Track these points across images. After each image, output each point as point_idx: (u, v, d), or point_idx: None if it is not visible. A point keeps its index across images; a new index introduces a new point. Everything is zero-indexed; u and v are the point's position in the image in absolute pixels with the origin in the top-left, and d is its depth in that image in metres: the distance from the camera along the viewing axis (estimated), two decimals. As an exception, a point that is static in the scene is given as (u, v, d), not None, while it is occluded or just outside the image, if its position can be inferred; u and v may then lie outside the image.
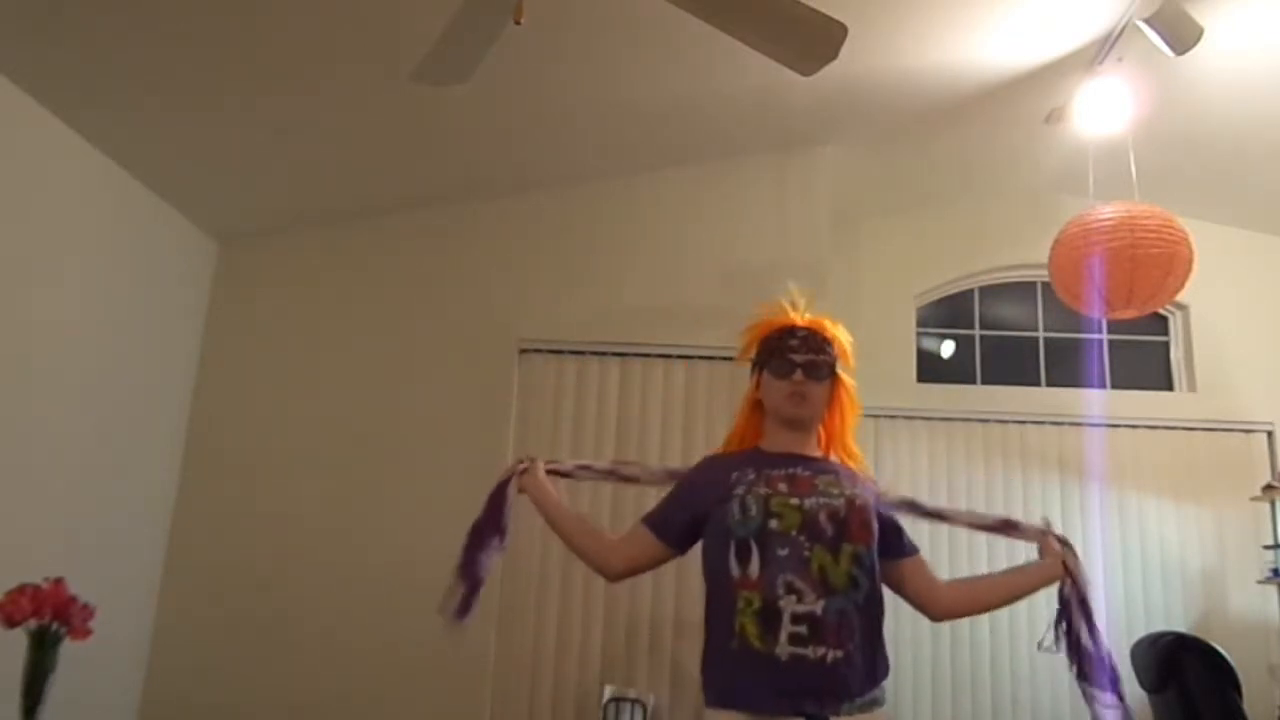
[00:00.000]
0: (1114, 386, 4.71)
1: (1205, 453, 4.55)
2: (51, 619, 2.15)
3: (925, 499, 1.99)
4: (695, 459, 3.83)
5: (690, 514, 1.80)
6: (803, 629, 1.53)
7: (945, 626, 4.35)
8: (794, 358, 1.80)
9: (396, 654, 3.55)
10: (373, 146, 3.54)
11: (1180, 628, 4.16)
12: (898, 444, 4.60)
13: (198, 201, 3.68)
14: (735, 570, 1.60)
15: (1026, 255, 4.62)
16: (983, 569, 4.36)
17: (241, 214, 3.87)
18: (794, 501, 1.64)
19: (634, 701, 3.35)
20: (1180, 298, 3.76)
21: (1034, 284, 4.87)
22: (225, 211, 3.81)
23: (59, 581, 2.20)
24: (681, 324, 3.89)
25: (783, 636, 1.53)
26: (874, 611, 1.66)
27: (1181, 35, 3.01)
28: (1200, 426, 4.57)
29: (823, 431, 1.88)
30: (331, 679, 3.56)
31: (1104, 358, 4.79)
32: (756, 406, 1.89)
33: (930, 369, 4.78)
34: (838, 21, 2.12)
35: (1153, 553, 4.42)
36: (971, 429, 4.60)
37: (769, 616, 1.54)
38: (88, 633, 2.22)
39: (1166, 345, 4.86)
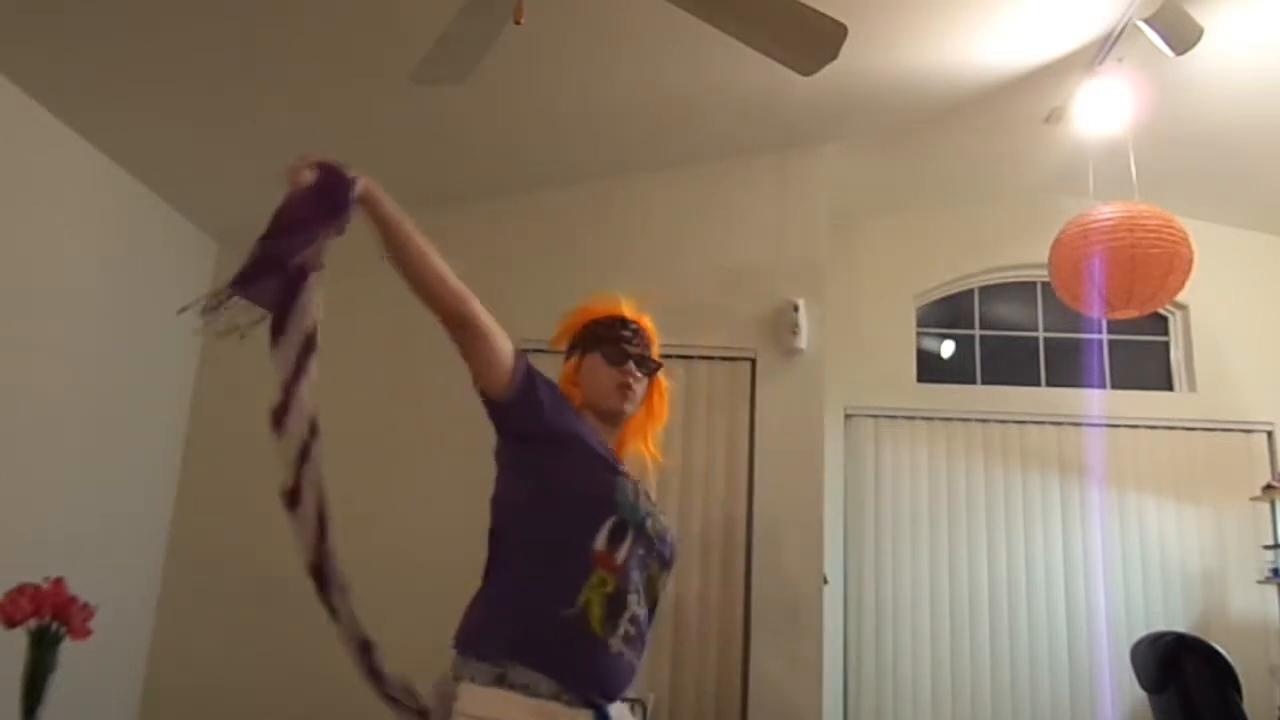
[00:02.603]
0: (1114, 386, 4.71)
1: (1205, 453, 4.55)
2: (51, 619, 2.15)
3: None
4: (695, 458, 3.84)
5: (554, 419, 1.66)
6: (632, 629, 1.53)
7: (945, 619, 4.36)
8: (629, 348, 1.75)
9: (397, 653, 3.54)
10: (372, 146, 3.54)
11: (1180, 628, 4.16)
12: (898, 444, 4.60)
13: (198, 201, 3.68)
14: (601, 544, 1.51)
15: (1026, 255, 4.62)
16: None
17: (241, 214, 3.85)
18: (649, 508, 1.64)
19: (634, 701, 3.34)
20: (1180, 298, 3.76)
21: (1034, 284, 4.87)
22: (225, 211, 3.81)
23: (59, 581, 2.20)
24: (681, 324, 3.88)
25: (620, 630, 1.50)
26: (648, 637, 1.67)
27: (1181, 35, 3.00)
28: (1200, 426, 4.57)
29: (623, 430, 1.79)
30: (333, 677, 3.54)
31: (1104, 358, 4.79)
32: (575, 388, 1.80)
33: (930, 369, 4.78)
34: (838, 21, 2.12)
35: (1153, 553, 4.42)
36: (971, 429, 4.60)
37: (616, 606, 1.50)
38: (88, 633, 2.22)
39: (1166, 345, 4.86)
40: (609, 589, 1.50)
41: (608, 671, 1.49)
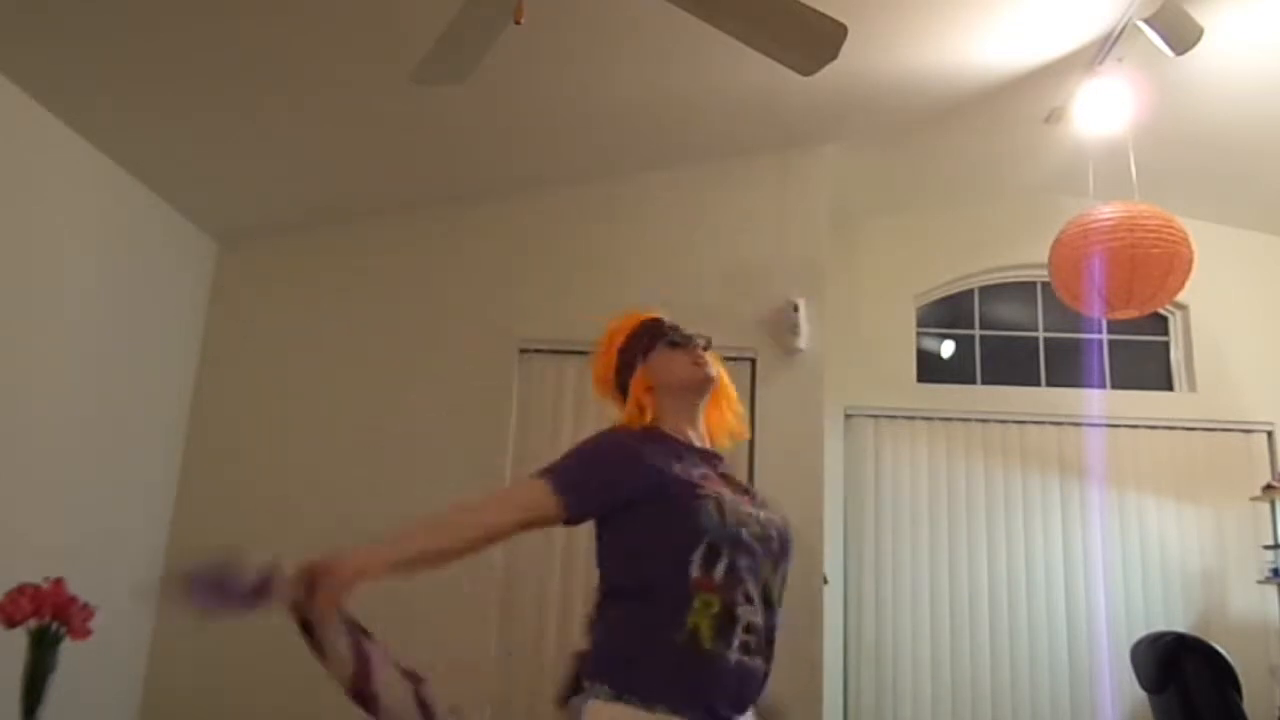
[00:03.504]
0: (1114, 386, 4.72)
1: (1205, 453, 4.55)
2: (51, 619, 2.15)
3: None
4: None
5: (616, 494, 1.63)
6: (751, 639, 1.52)
7: (945, 619, 4.36)
8: (684, 332, 1.82)
9: (396, 653, 3.55)
10: (373, 146, 3.54)
11: (1180, 628, 4.16)
12: (898, 444, 4.60)
13: (198, 201, 3.68)
14: (695, 571, 1.53)
15: (1026, 255, 4.62)
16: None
17: (241, 214, 3.87)
18: (752, 512, 1.62)
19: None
20: (1180, 298, 3.76)
21: (1034, 284, 4.87)
22: (225, 211, 3.81)
23: (59, 581, 2.19)
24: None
25: (735, 643, 1.50)
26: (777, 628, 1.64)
27: (1181, 35, 3.01)
28: (1200, 426, 4.57)
29: (707, 413, 1.82)
30: (331, 678, 3.55)
31: (1104, 358, 4.79)
32: (646, 402, 1.76)
33: (930, 369, 4.78)
34: (838, 21, 2.12)
35: (1153, 553, 4.42)
36: (971, 429, 4.60)
37: (726, 621, 1.51)
38: (88, 633, 2.21)
39: (1166, 345, 4.86)
40: (715, 609, 1.51)
41: (728, 683, 1.50)
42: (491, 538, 1.68)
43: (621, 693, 1.48)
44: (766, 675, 1.56)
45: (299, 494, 3.72)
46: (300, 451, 3.78)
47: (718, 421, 1.85)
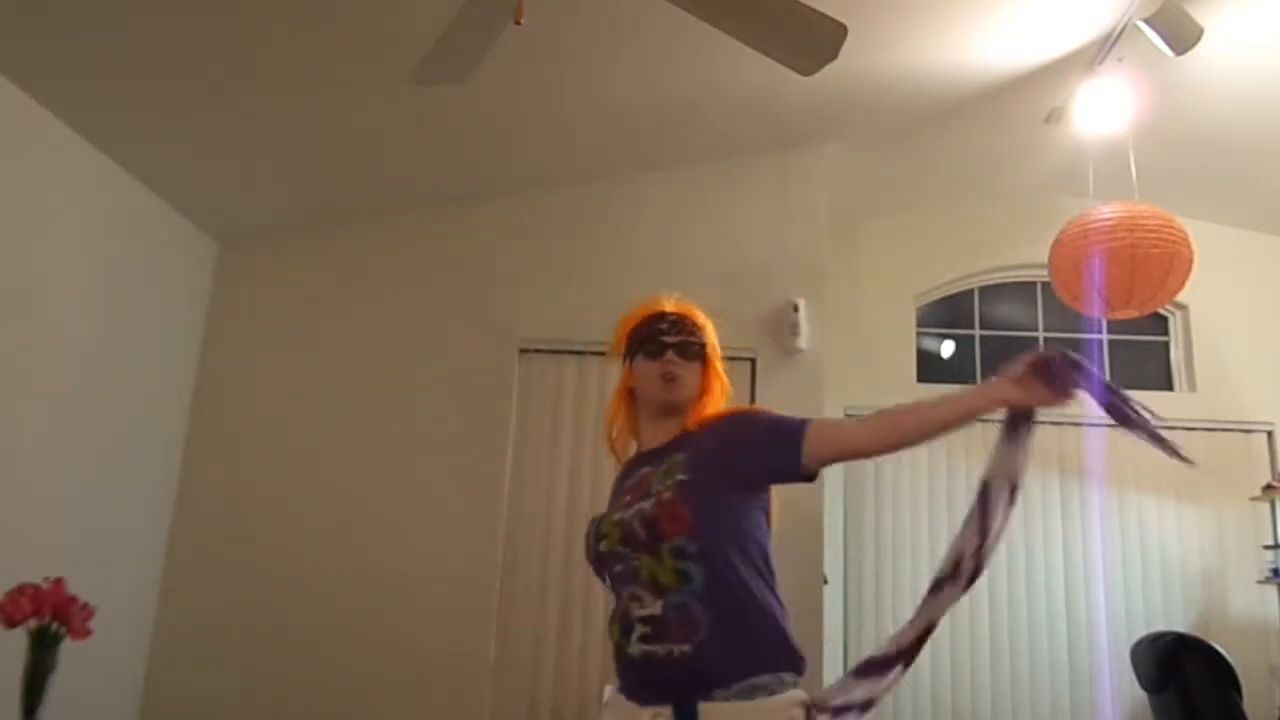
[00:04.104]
0: (1114, 386, 4.71)
1: (1205, 453, 4.54)
2: (51, 619, 2.15)
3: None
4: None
5: None
6: (648, 629, 1.57)
7: (945, 630, 4.35)
8: (665, 339, 1.78)
9: (397, 653, 3.55)
10: (373, 146, 3.54)
11: (1180, 628, 4.16)
12: (898, 444, 4.59)
13: (198, 201, 3.68)
14: (607, 593, 1.73)
15: (1026, 255, 4.62)
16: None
17: (241, 214, 3.87)
18: (615, 517, 1.67)
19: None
20: (1180, 298, 3.76)
21: (1034, 284, 4.87)
22: (225, 211, 3.81)
23: (59, 581, 2.19)
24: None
25: (634, 637, 1.59)
26: (723, 594, 1.57)
27: (1181, 35, 3.01)
28: (1200, 426, 4.57)
29: (691, 419, 1.80)
30: (332, 679, 3.55)
31: (1104, 358, 4.79)
32: (628, 398, 1.85)
33: (930, 369, 4.79)
34: (838, 21, 2.12)
35: (1153, 553, 4.42)
36: (971, 429, 4.58)
37: (625, 620, 1.62)
38: (88, 633, 2.21)
39: (1166, 345, 4.86)
40: (615, 615, 1.66)
41: (638, 672, 1.60)
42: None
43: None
44: (691, 656, 1.53)
45: (299, 494, 3.72)
46: (300, 451, 3.78)
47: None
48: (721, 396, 1.84)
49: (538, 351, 3.90)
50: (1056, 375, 1.56)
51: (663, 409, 1.78)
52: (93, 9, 2.55)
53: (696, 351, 1.79)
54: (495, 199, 4.03)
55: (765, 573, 1.64)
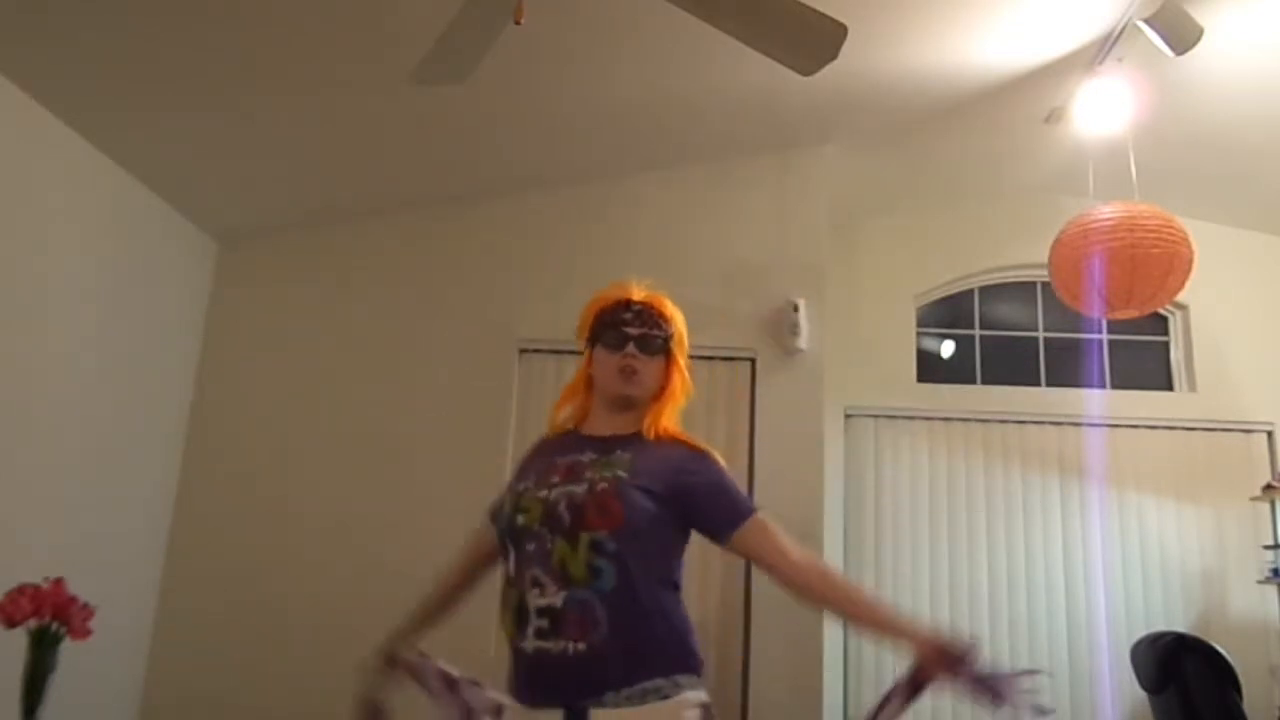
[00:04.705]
0: (1114, 386, 4.72)
1: (1205, 453, 4.55)
2: (51, 619, 2.15)
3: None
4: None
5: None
6: (545, 623, 1.51)
7: (945, 618, 4.35)
8: (628, 330, 1.72)
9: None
10: (373, 146, 3.54)
11: (1180, 628, 4.17)
12: (898, 444, 4.60)
13: (198, 201, 3.68)
14: (507, 568, 1.62)
15: (1026, 255, 4.62)
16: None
17: (241, 214, 3.87)
18: (540, 494, 1.60)
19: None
20: (1180, 298, 3.76)
21: (1034, 284, 4.87)
22: (225, 211, 3.81)
23: (59, 581, 2.19)
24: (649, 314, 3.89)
25: (529, 630, 1.52)
26: (628, 600, 1.53)
27: (1181, 35, 3.00)
28: (1200, 426, 4.57)
29: (648, 415, 1.75)
30: (332, 678, 3.54)
31: (1104, 358, 4.79)
32: (588, 384, 1.78)
33: (930, 369, 4.78)
34: (838, 21, 2.12)
35: (1153, 553, 4.42)
36: (971, 429, 4.60)
37: (521, 612, 1.55)
38: (88, 633, 2.21)
39: (1166, 345, 4.86)
40: (512, 602, 1.57)
41: (523, 669, 1.55)
42: (471, 564, 1.92)
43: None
44: (587, 655, 1.48)
45: (299, 494, 3.72)
46: (300, 451, 3.78)
47: (663, 429, 1.74)
48: (681, 394, 1.78)
49: (538, 351, 3.90)
50: (962, 671, 1.58)
51: (618, 402, 1.73)
52: (93, 9, 2.55)
53: (660, 346, 1.74)
54: (495, 199, 4.03)
55: (673, 587, 1.64)
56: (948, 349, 4.93)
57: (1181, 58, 3.09)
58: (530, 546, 1.57)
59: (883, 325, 4.73)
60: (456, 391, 3.85)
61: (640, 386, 1.71)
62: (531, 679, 1.54)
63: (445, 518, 3.72)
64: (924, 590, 4.40)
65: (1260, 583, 4.33)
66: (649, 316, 1.76)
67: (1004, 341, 4.88)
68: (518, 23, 1.97)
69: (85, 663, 2.36)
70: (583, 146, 3.81)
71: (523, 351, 3.89)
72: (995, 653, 4.33)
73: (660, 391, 1.75)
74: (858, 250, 4.78)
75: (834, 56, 2.19)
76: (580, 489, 1.59)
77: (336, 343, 3.92)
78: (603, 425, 1.73)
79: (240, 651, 3.57)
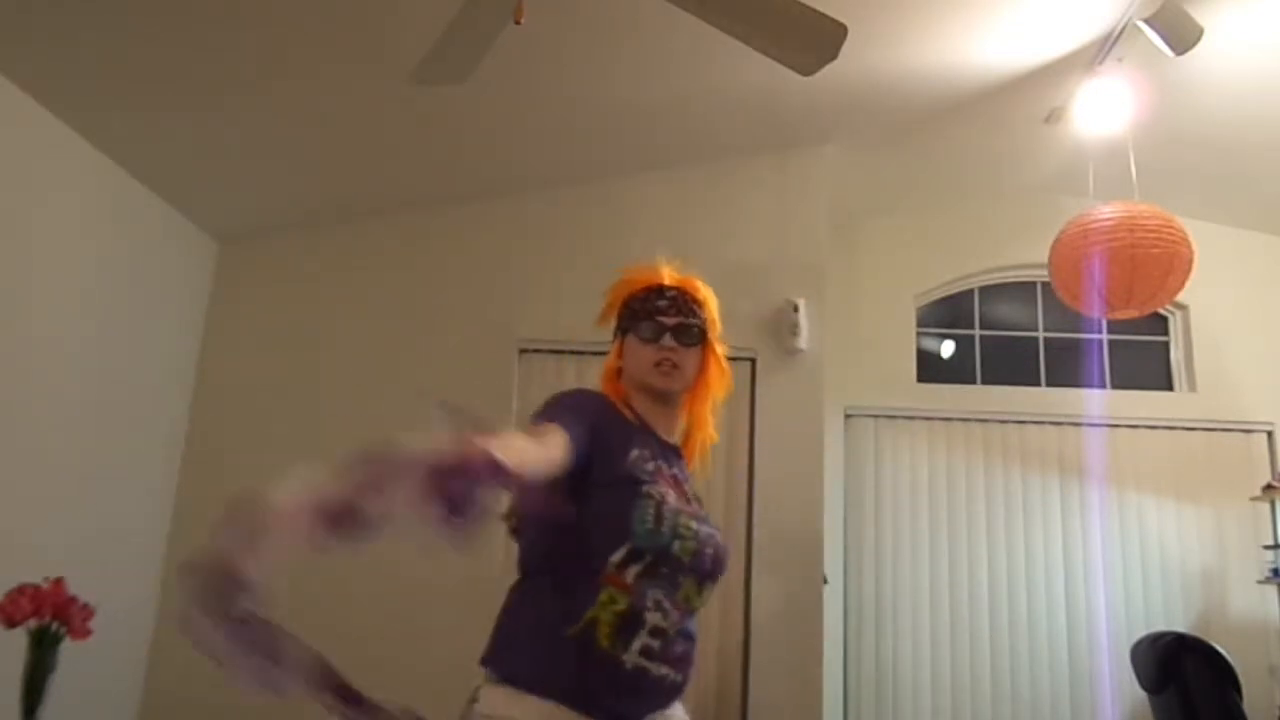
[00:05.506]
0: (1114, 386, 4.71)
1: (1205, 453, 4.55)
2: (51, 619, 2.15)
3: None
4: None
5: (590, 444, 1.45)
6: (655, 644, 1.43)
7: (945, 619, 4.36)
8: (663, 320, 1.60)
9: (396, 652, 3.54)
10: (373, 146, 3.54)
11: (1180, 628, 4.16)
12: (898, 444, 4.60)
13: (198, 201, 3.68)
14: (612, 567, 1.43)
15: (1026, 255, 4.62)
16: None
17: (241, 214, 3.87)
18: (694, 526, 1.50)
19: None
20: (1180, 298, 3.76)
21: (1034, 284, 4.87)
22: (225, 211, 3.81)
23: (59, 581, 2.20)
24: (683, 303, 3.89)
25: (635, 645, 1.40)
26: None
27: (1181, 35, 3.01)
28: (1200, 426, 4.57)
29: (683, 409, 1.67)
30: (331, 679, 3.55)
31: (1104, 358, 4.79)
32: (615, 378, 1.65)
33: (930, 369, 4.78)
34: (838, 21, 2.13)
35: (1153, 553, 4.42)
36: (971, 429, 4.60)
37: (630, 622, 1.41)
38: (88, 633, 2.22)
39: (1166, 345, 4.86)
40: (620, 606, 1.41)
41: (621, 684, 1.41)
42: (554, 463, 1.36)
43: (503, 678, 1.43)
44: (677, 687, 1.48)
45: (299, 494, 3.72)
46: (300, 451, 3.76)
47: (698, 421, 1.69)
48: (721, 387, 1.69)
49: (538, 351, 3.90)
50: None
51: (659, 397, 1.63)
52: (93, 9, 2.56)
53: (697, 335, 1.64)
54: (495, 199, 4.03)
55: None
56: (948, 349, 4.93)
57: (1181, 58, 3.09)
58: (664, 569, 1.46)
59: (883, 325, 4.73)
60: (456, 391, 3.84)
61: (681, 380, 1.62)
62: (615, 692, 1.41)
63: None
64: (924, 590, 4.40)
65: (1260, 583, 4.33)
66: (684, 303, 1.65)
67: (1004, 341, 4.88)
68: (518, 23, 1.98)
69: (85, 663, 2.36)
70: (583, 146, 3.81)
71: (523, 351, 3.89)
72: (996, 653, 4.33)
73: (698, 386, 1.66)
74: (858, 250, 4.78)
75: (834, 56, 2.20)
76: (717, 536, 1.56)
77: (336, 342, 3.92)
78: (657, 422, 1.63)
79: (240, 651, 3.57)
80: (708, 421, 1.70)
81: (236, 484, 3.51)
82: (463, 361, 3.87)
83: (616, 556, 1.43)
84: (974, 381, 4.79)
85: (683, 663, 1.48)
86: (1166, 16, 2.98)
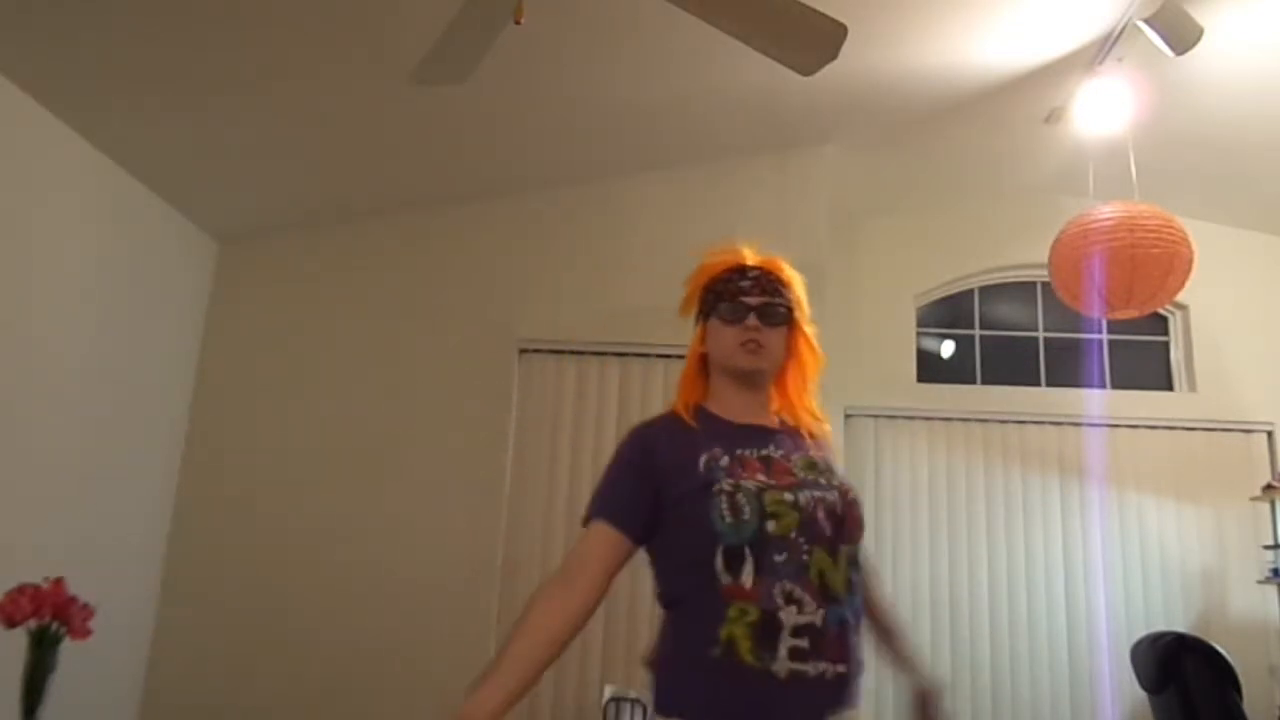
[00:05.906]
0: (1114, 386, 4.71)
1: (1205, 453, 4.55)
2: (51, 619, 2.15)
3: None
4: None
5: (653, 498, 1.48)
6: (804, 642, 1.33)
7: (945, 618, 4.35)
8: (747, 300, 1.56)
9: (396, 653, 3.55)
10: (373, 146, 3.54)
11: (1180, 628, 4.16)
12: (898, 444, 4.60)
13: (198, 201, 3.68)
14: (724, 577, 1.37)
15: (1026, 255, 4.62)
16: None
17: (241, 214, 3.87)
18: (788, 498, 1.41)
19: (634, 701, 3.34)
20: (1180, 298, 3.76)
21: (1034, 284, 4.87)
22: (225, 211, 3.81)
23: (59, 581, 2.20)
24: (681, 324, 3.88)
25: (781, 651, 1.32)
26: (862, 621, 1.46)
27: (1181, 35, 3.01)
28: (1200, 426, 4.57)
29: (775, 391, 1.64)
30: (331, 678, 3.55)
31: (1104, 358, 4.79)
32: (701, 363, 1.62)
33: (930, 369, 4.78)
34: (838, 21, 2.12)
35: (1153, 553, 4.42)
36: (971, 429, 4.60)
37: (767, 629, 1.33)
38: (88, 633, 2.21)
39: (1166, 345, 4.86)
40: (751, 617, 1.35)
41: (779, 697, 1.33)
42: (593, 607, 1.49)
43: (670, 714, 1.39)
44: (845, 678, 1.37)
45: (298, 493, 3.72)
46: (300, 450, 3.78)
47: (793, 400, 1.65)
48: (813, 364, 1.67)
49: (537, 351, 3.90)
50: None
51: (745, 379, 1.58)
52: (93, 9, 2.55)
53: (783, 315, 1.60)
54: (495, 199, 4.03)
55: None
56: (948, 349, 4.93)
57: (1181, 58, 3.09)
58: (780, 557, 1.37)
59: (883, 325, 4.73)
60: (456, 391, 3.85)
61: (768, 360, 1.58)
62: (779, 705, 1.33)
63: (444, 517, 3.73)
64: (924, 590, 4.40)
65: (1260, 583, 4.33)
66: (768, 282, 1.60)
67: (1004, 341, 4.88)
68: (518, 23, 1.98)
69: (85, 663, 2.36)
70: (583, 146, 3.81)
71: (523, 351, 3.89)
72: (996, 653, 4.33)
73: (788, 367, 1.63)
74: (858, 250, 4.78)
75: (834, 56, 2.19)
76: (831, 496, 1.46)
77: (336, 342, 3.92)
78: (744, 410, 1.58)
79: (240, 651, 3.57)
80: (809, 406, 1.67)
81: (236, 484, 3.56)
82: (463, 361, 3.87)
83: (718, 564, 1.38)
84: (974, 381, 4.79)
85: (843, 650, 1.38)
86: (1166, 16, 2.98)
